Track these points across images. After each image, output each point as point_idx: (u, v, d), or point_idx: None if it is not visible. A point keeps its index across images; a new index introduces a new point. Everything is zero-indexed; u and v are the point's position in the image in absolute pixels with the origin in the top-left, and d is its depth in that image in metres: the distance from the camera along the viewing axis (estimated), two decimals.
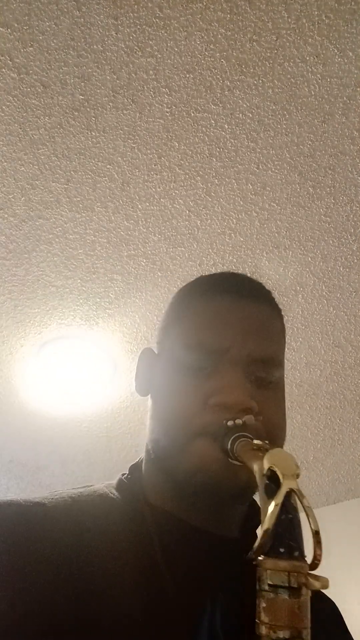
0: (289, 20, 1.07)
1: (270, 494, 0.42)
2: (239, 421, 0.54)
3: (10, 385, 2.01)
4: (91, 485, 0.64)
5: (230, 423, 0.54)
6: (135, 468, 0.66)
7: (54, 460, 2.45)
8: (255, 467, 0.45)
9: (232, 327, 0.60)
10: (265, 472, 0.44)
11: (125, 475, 0.66)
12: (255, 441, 0.50)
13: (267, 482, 0.43)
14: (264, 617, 0.37)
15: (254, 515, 0.62)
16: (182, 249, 1.53)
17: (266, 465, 0.44)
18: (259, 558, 0.41)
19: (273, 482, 0.43)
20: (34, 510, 0.56)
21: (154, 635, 0.49)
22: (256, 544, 0.40)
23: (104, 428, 2.23)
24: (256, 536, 0.62)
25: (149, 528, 0.57)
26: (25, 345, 1.84)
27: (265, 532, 0.40)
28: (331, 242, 1.52)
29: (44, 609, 0.48)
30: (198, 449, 0.56)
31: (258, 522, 0.61)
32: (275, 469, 0.43)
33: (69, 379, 1.98)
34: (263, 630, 0.37)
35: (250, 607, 0.53)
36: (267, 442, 0.50)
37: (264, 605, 0.38)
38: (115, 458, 2.41)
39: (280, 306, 0.70)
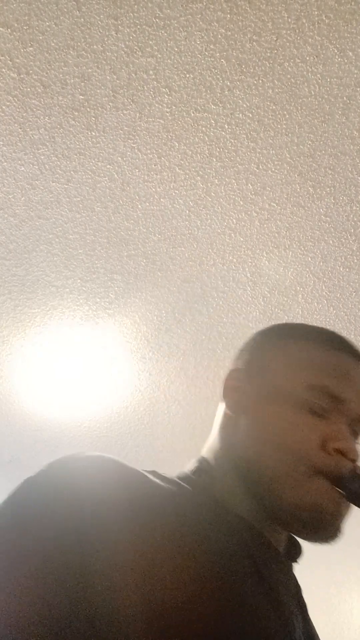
0: (289, 20, 1.07)
1: None
2: None
3: (10, 385, 2.01)
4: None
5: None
6: (200, 471, 0.67)
7: None
8: None
9: (355, 384, 0.66)
10: None
11: (194, 486, 0.65)
12: None
13: None
14: None
15: (297, 542, 0.69)
16: (182, 249, 1.53)
17: None
18: None
19: None
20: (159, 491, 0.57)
21: None
22: None
23: (104, 428, 2.23)
24: (296, 558, 0.68)
25: (243, 539, 0.59)
26: (25, 345, 1.84)
27: None
28: (331, 242, 1.52)
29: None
30: (317, 489, 0.60)
31: (300, 549, 0.68)
32: None
33: (68, 379, 1.98)
34: None
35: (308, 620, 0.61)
36: None
37: None
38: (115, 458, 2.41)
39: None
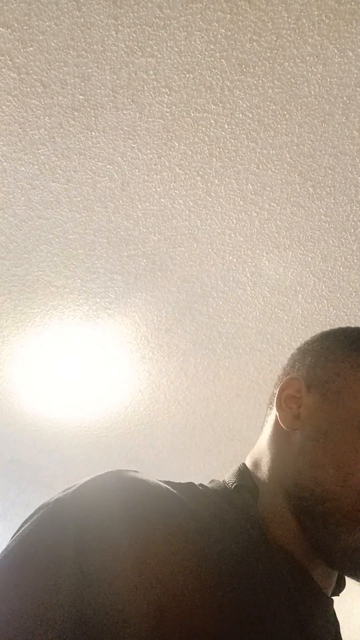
0: (289, 20, 1.07)
1: None
2: None
3: (10, 385, 2.01)
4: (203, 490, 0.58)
5: None
6: (241, 487, 0.59)
7: (54, 460, 2.45)
8: None
9: None
10: None
11: (233, 498, 0.58)
12: None
13: None
14: None
15: (342, 581, 0.63)
16: (182, 249, 1.53)
17: None
18: None
19: None
20: (183, 509, 0.51)
21: None
22: None
23: (104, 428, 2.23)
24: (338, 593, 0.63)
25: (283, 574, 0.53)
26: (25, 345, 1.84)
27: None
28: (331, 242, 1.52)
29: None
30: None
31: (344, 584, 0.62)
32: None
33: (69, 379, 1.98)
34: None
35: None
36: None
37: None
38: (115, 458, 2.41)
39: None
